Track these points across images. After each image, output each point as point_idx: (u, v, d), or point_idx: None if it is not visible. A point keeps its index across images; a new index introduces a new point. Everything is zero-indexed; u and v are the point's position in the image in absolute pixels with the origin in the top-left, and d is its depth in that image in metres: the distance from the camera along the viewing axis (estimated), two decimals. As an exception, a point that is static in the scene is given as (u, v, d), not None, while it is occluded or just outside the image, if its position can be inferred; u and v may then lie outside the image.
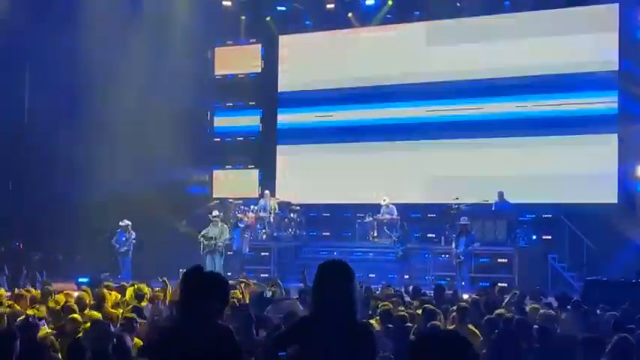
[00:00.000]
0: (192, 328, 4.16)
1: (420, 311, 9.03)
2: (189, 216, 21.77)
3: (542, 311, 9.04)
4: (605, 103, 19.40)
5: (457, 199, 19.45)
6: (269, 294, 11.16)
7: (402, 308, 9.51)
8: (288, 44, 23.44)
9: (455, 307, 9.03)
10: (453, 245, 17.67)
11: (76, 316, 7.95)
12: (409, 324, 8.31)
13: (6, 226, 19.66)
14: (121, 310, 9.28)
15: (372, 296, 10.97)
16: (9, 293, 11.40)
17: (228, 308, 8.80)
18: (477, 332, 8.26)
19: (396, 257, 18.77)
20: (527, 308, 9.82)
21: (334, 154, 22.42)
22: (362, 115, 22.21)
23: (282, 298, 11.09)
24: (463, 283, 16.83)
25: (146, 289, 10.39)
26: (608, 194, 18.95)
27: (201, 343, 4.13)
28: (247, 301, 10.28)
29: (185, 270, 4.38)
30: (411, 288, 12.91)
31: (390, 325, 8.17)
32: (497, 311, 8.93)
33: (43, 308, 9.13)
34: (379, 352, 4.36)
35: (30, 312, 8.69)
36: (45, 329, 7.45)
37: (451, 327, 7.67)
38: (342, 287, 4.21)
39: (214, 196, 23.95)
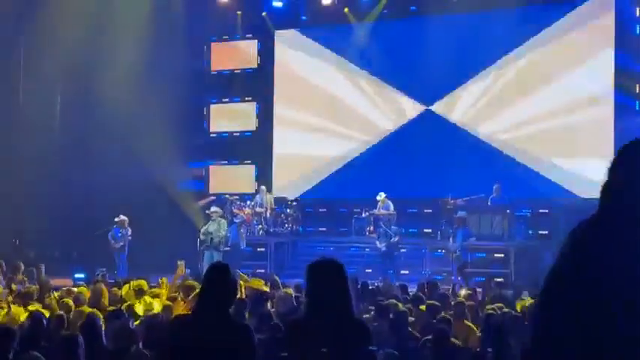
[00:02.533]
0: (210, 321, 4.27)
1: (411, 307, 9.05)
2: (185, 211, 21.78)
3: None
4: (603, 96, 19.44)
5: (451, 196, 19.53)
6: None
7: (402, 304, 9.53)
8: (284, 39, 23.44)
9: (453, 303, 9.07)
10: (450, 240, 17.66)
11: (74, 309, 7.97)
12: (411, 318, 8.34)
13: (1, 222, 19.63)
14: (119, 306, 9.29)
15: (368, 291, 10.99)
16: (7, 290, 11.40)
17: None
18: (474, 328, 8.29)
19: (380, 253, 18.53)
20: (523, 304, 9.84)
21: (332, 149, 22.46)
22: (361, 110, 22.26)
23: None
24: (459, 278, 16.83)
25: (144, 285, 10.38)
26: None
27: (216, 337, 4.22)
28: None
29: (210, 266, 4.54)
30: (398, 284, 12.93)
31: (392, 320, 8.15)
32: (493, 306, 8.97)
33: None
34: (377, 349, 4.37)
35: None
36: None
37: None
38: (335, 284, 4.20)
39: (210, 191, 23.96)
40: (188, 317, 4.64)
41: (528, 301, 10.11)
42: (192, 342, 4.25)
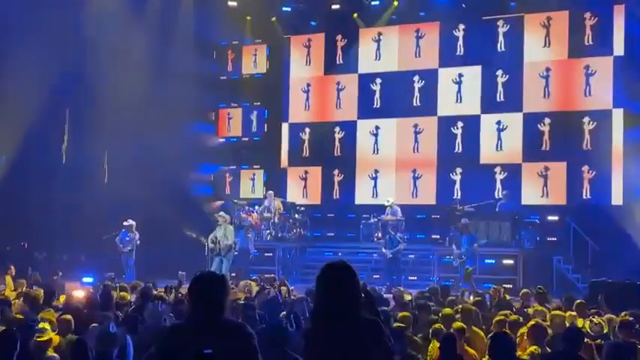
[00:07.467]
0: (201, 325, 4.28)
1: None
2: (194, 216, 21.79)
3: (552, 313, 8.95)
4: (610, 103, 19.39)
5: (458, 201, 19.52)
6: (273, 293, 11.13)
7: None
8: (294, 44, 23.46)
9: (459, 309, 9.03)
10: (453, 247, 17.57)
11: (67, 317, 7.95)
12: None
13: (11, 225, 19.67)
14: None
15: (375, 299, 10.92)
16: (15, 293, 11.43)
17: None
18: (482, 334, 8.26)
19: (386, 259, 18.36)
20: (531, 310, 9.79)
21: (341, 154, 22.46)
22: (367, 116, 22.27)
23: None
24: (468, 286, 16.70)
25: (152, 290, 10.38)
26: (612, 196, 18.93)
27: (209, 340, 4.20)
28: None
29: (195, 275, 4.54)
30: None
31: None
32: (502, 312, 8.93)
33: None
34: (392, 346, 4.31)
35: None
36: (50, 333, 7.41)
37: (454, 329, 7.66)
38: (343, 286, 4.21)
39: (219, 196, 24.00)
40: (181, 325, 4.65)
41: (536, 307, 10.06)
42: (186, 348, 4.22)
